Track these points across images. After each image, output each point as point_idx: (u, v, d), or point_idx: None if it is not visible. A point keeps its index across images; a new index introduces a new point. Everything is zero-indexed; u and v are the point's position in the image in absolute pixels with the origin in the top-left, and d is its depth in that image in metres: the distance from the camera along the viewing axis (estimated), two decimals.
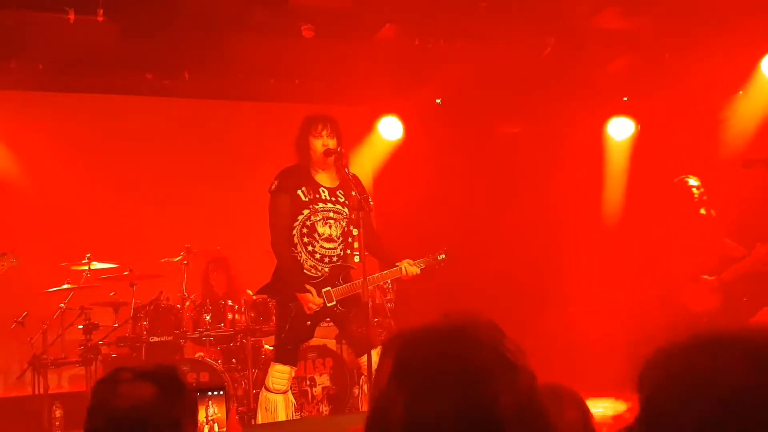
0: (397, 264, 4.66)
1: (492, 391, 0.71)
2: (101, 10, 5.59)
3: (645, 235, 7.90)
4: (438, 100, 8.05)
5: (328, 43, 6.47)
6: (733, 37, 6.62)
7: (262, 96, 7.68)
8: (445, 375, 1.04)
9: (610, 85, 7.66)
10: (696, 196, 5.97)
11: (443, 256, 4.78)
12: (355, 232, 4.68)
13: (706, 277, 5.88)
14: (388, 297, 6.45)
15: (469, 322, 1.13)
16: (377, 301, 6.25)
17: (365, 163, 8.00)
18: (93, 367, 5.83)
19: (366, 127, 8.04)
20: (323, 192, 4.71)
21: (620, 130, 8.39)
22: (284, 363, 4.68)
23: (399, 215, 7.54)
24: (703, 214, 5.96)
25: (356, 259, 4.71)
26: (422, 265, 4.72)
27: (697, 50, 6.89)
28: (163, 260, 6.11)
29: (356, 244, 4.68)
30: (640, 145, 8.38)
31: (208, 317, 5.91)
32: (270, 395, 4.68)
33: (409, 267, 4.64)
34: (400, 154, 8.11)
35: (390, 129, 8.07)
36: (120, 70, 6.92)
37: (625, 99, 8.24)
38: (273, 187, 4.73)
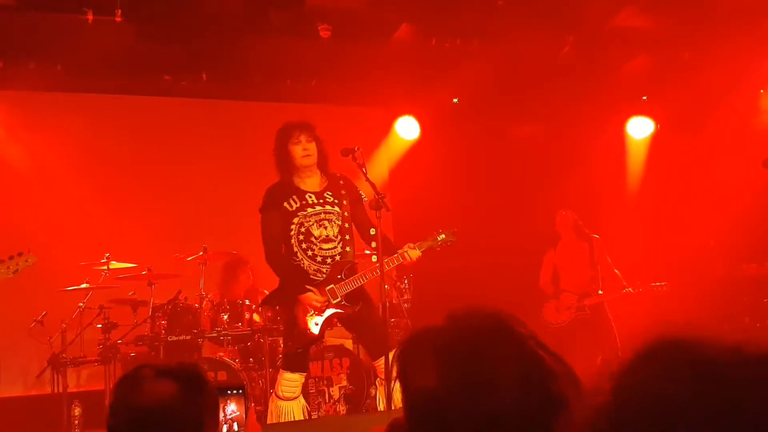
0: (398, 251, 4.63)
1: (548, 374, 0.70)
2: (119, 11, 5.62)
3: (663, 235, 7.84)
4: (455, 100, 8.03)
5: (344, 44, 6.47)
6: (753, 34, 6.56)
7: (280, 97, 7.69)
8: (503, 366, 1.04)
9: (628, 84, 7.61)
10: (576, 226, 6.84)
11: (443, 236, 4.72)
12: (372, 231, 4.66)
13: (567, 294, 6.68)
14: (405, 297, 6.43)
15: (496, 314, 1.13)
16: (394, 302, 6.24)
17: (382, 163, 8.00)
18: (112, 366, 5.86)
19: (383, 127, 8.03)
20: (310, 198, 4.69)
21: (639, 129, 8.36)
22: (293, 371, 4.66)
23: (415, 214, 7.52)
24: (581, 242, 6.80)
25: (373, 258, 4.69)
26: (423, 247, 4.67)
27: (716, 48, 6.83)
28: (177, 255, 6.12)
29: (374, 244, 4.65)
30: (659, 144, 8.33)
31: (225, 317, 5.91)
32: (282, 403, 4.66)
33: (410, 251, 4.60)
34: (417, 153, 8.09)
35: (407, 129, 8.06)
36: (138, 71, 6.96)
37: (645, 98, 8.19)
38: (261, 205, 4.75)
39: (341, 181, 4.61)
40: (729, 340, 0.70)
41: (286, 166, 4.72)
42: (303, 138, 4.66)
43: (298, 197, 4.68)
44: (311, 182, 4.75)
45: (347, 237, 4.72)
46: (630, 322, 6.64)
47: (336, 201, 4.71)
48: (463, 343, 1.13)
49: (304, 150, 4.65)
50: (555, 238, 6.99)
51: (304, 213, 4.65)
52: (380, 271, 4.37)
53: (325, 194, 4.73)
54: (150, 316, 5.87)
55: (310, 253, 4.63)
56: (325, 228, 4.65)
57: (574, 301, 6.65)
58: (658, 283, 6.52)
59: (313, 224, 4.64)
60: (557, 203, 7.05)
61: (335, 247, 4.67)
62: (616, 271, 6.72)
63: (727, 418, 0.63)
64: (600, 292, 6.65)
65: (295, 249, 4.63)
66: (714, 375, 0.66)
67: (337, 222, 4.69)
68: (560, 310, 6.70)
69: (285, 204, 4.66)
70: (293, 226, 4.63)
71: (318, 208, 4.68)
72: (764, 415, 0.63)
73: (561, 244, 6.94)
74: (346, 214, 4.66)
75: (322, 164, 4.69)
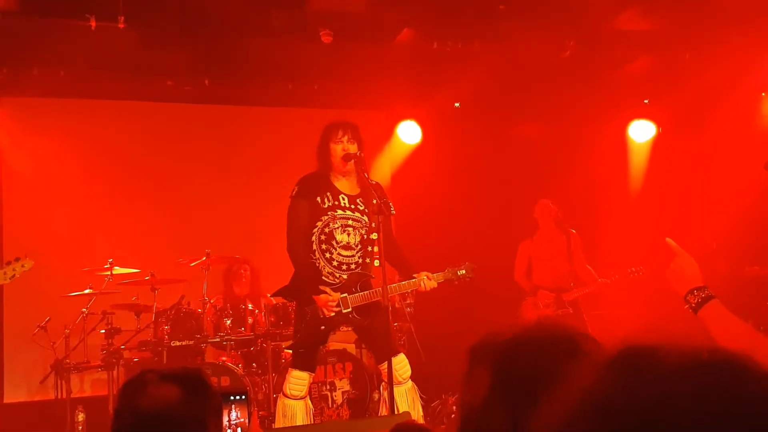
0: (414, 276, 4.63)
1: (605, 404, 0.69)
2: (122, 17, 5.63)
3: (665, 238, 7.82)
4: (457, 104, 8.04)
5: (346, 48, 6.48)
6: (754, 37, 6.56)
7: (282, 101, 7.71)
8: (556, 387, 1.03)
9: (630, 87, 7.61)
10: (556, 217, 6.69)
11: (463, 272, 4.73)
12: (374, 236, 4.66)
13: (544, 292, 6.55)
14: (408, 301, 6.45)
15: (568, 333, 1.11)
16: (396, 306, 6.25)
17: (384, 167, 8.01)
18: (115, 372, 5.87)
19: (385, 131, 8.05)
20: (343, 199, 4.70)
21: (641, 132, 8.36)
22: (301, 369, 4.67)
23: (418, 219, 7.53)
24: (559, 234, 6.68)
25: (376, 263, 4.69)
26: (440, 279, 4.68)
27: (718, 50, 6.83)
28: (180, 260, 6.13)
29: (375, 249, 4.66)
30: (661, 147, 8.34)
31: (228, 321, 5.92)
32: (288, 401, 4.66)
33: (427, 281, 4.61)
34: (419, 157, 8.10)
35: (409, 133, 8.07)
36: (140, 77, 6.98)
37: (646, 102, 8.20)
38: (293, 192, 4.74)
39: (375, 188, 4.56)
40: (689, 347, 0.71)
41: (325, 162, 4.72)
42: (345, 138, 4.66)
43: (332, 195, 4.68)
44: (346, 184, 4.75)
45: (369, 248, 4.72)
46: (629, 322, 6.63)
47: (366, 210, 4.70)
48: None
49: (343, 150, 4.65)
50: (532, 228, 6.84)
51: (334, 213, 4.64)
52: (383, 274, 4.37)
53: (357, 200, 4.73)
54: (153, 321, 5.88)
55: (327, 255, 4.63)
56: (348, 234, 4.66)
57: (553, 299, 6.54)
58: (634, 269, 6.37)
59: (338, 227, 4.64)
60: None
61: (353, 255, 4.67)
62: (588, 267, 6.64)
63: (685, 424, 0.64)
64: (572, 284, 6.56)
65: (314, 247, 4.63)
66: (671, 382, 0.67)
67: (360, 231, 4.69)
68: (540, 308, 6.55)
69: (318, 198, 4.65)
70: (319, 223, 4.63)
71: (348, 212, 4.68)
72: (723, 420, 0.64)
73: (539, 234, 6.78)
74: (373, 224, 4.64)
75: (360, 168, 4.67)
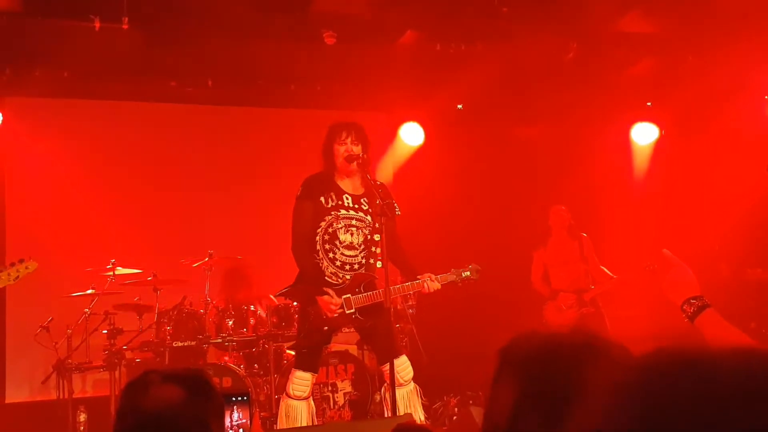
0: (418, 277, 4.63)
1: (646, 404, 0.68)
2: (126, 18, 5.64)
3: (668, 240, 7.83)
4: (459, 106, 8.04)
5: (349, 50, 6.48)
6: (758, 40, 6.55)
7: (285, 102, 7.71)
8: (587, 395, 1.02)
9: (633, 89, 7.61)
10: (570, 224, 6.79)
11: (468, 273, 4.73)
12: (377, 237, 4.66)
13: (565, 294, 6.61)
14: (410, 303, 6.45)
15: (597, 340, 1.10)
16: (398, 307, 6.25)
17: (387, 169, 8.01)
18: (117, 372, 5.87)
19: (388, 132, 8.05)
20: (347, 199, 4.70)
21: (644, 135, 8.36)
22: (304, 369, 4.67)
23: (420, 220, 7.52)
24: (572, 239, 6.76)
25: (378, 264, 4.70)
26: (445, 280, 4.68)
27: (721, 53, 6.83)
28: (182, 261, 6.13)
29: (378, 250, 4.67)
30: (663, 150, 8.33)
31: (230, 322, 5.92)
32: (291, 402, 4.67)
33: (431, 283, 4.60)
34: (421, 159, 8.10)
35: (411, 134, 8.07)
36: (144, 78, 6.99)
37: (649, 104, 8.19)
38: (298, 193, 4.75)
39: (380, 191, 4.56)
40: (728, 349, 0.70)
41: (330, 163, 4.73)
42: (349, 140, 4.67)
43: (336, 195, 4.69)
44: (351, 184, 4.76)
45: (372, 248, 4.71)
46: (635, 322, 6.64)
47: (370, 210, 4.70)
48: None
49: (347, 151, 4.66)
50: (545, 235, 6.91)
51: (337, 213, 4.65)
52: (385, 276, 4.37)
53: (361, 200, 4.73)
54: (155, 322, 5.89)
55: (331, 255, 4.64)
56: (352, 234, 4.66)
57: (574, 300, 6.59)
58: (651, 264, 6.38)
59: (341, 227, 4.64)
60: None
61: (356, 256, 4.67)
62: (602, 268, 6.70)
63: None
64: (592, 286, 6.63)
65: (318, 247, 4.64)
66: (712, 383, 0.67)
67: (364, 231, 4.69)
68: (562, 310, 6.61)
69: (321, 198, 4.66)
70: (323, 223, 4.64)
71: (351, 212, 4.68)
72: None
73: (552, 241, 6.86)
74: (377, 225, 4.63)
75: (364, 169, 4.68)
